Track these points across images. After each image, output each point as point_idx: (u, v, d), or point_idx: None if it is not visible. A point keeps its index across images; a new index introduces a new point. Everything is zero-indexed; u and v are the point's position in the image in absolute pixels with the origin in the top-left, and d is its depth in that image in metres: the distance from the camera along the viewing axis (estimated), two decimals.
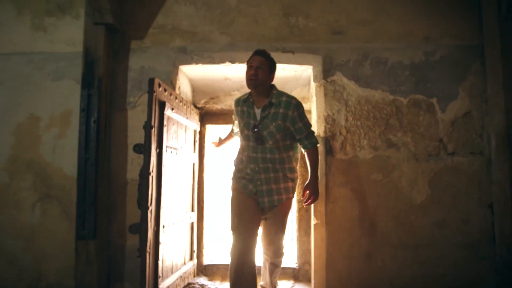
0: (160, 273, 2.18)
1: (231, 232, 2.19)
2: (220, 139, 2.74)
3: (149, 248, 2.07)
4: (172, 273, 2.42)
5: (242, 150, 2.26)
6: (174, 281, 2.43)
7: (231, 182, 2.33)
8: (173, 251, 2.48)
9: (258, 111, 2.16)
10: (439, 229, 2.50)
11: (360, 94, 2.64)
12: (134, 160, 2.65)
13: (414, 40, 2.67)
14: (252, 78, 2.10)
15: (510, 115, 2.39)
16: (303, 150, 2.23)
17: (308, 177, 2.22)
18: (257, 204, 2.17)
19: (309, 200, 2.18)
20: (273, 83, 2.23)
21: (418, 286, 2.46)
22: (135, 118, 2.67)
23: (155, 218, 2.15)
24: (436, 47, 2.65)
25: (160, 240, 2.19)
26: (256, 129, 2.10)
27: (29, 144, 2.71)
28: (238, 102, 2.27)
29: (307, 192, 2.19)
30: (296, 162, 2.27)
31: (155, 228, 2.15)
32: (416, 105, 2.61)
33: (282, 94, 2.17)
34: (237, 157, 2.30)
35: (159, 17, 2.76)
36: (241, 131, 2.21)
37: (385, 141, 2.59)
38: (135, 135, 2.66)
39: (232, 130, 2.56)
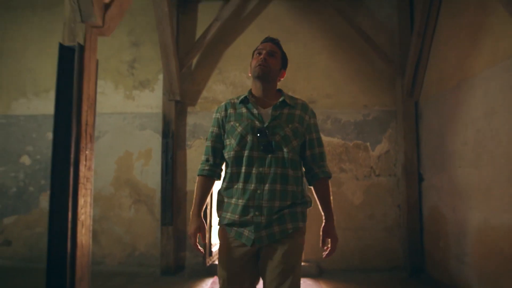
0: (212, 243, 3.96)
1: None
2: (200, 235, 1.72)
3: (208, 229, 3.85)
4: (215, 245, 4.20)
5: (233, 176, 1.65)
6: (216, 250, 4.20)
7: (218, 228, 1.73)
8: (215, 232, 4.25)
9: (265, 111, 1.68)
10: (369, 219, 4.29)
11: (324, 140, 4.43)
12: (190, 180, 4.41)
13: (357, 107, 4.47)
14: (262, 64, 1.68)
15: (407, 154, 4.19)
16: (309, 183, 1.78)
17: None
18: (257, 256, 1.62)
19: (331, 251, 1.69)
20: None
21: (356, 252, 4.25)
22: (191, 154, 4.44)
23: (210, 212, 3.93)
24: (370, 111, 4.46)
25: (212, 224, 3.97)
26: (259, 134, 1.61)
27: (126, 169, 4.48)
28: (228, 105, 1.76)
29: (329, 239, 1.69)
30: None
31: (210, 218, 3.92)
32: (357, 147, 4.41)
33: (295, 97, 1.80)
34: (224, 187, 1.68)
35: (204, 92, 4.54)
36: (239, 140, 1.63)
37: (339, 168, 4.38)
38: (191, 164, 4.43)
39: (208, 167, 1.74)
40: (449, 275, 3.48)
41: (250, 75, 1.79)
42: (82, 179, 2.14)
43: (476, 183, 3.05)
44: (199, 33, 4.54)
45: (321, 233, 1.71)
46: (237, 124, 1.67)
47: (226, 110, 1.75)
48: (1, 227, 4.55)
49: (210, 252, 3.88)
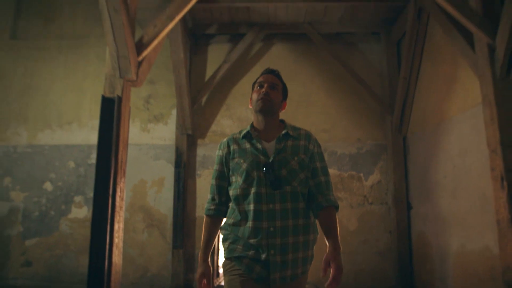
0: (218, 266, 4.33)
1: None
2: (205, 281, 1.69)
3: (215, 253, 4.23)
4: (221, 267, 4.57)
5: (241, 214, 1.62)
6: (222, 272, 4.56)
7: (223, 261, 1.68)
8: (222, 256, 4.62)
9: (269, 145, 1.67)
10: (363, 244, 4.67)
11: None
12: (199, 206, 4.82)
13: (351, 141, 4.93)
14: (265, 98, 1.66)
15: (396, 184, 4.61)
16: (314, 214, 1.69)
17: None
18: None
19: (333, 283, 1.51)
20: None
21: (352, 274, 4.61)
22: (200, 183, 4.87)
23: (218, 238, 4.32)
24: (363, 145, 4.91)
25: (219, 247, 4.36)
26: (265, 169, 1.59)
27: (140, 196, 4.90)
28: (230, 141, 1.75)
29: (333, 269, 1.55)
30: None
31: (217, 243, 4.31)
32: (352, 177, 4.84)
33: (298, 127, 1.79)
34: (230, 223, 1.66)
35: (213, 126, 5.01)
36: (245, 177, 1.61)
37: (335, 197, 4.79)
38: (200, 192, 4.85)
39: (214, 206, 1.75)
40: None
41: (250, 107, 1.79)
42: (117, 208, 2.57)
43: (455, 212, 3.46)
44: (208, 71, 5.08)
45: (323, 262, 1.59)
46: (242, 161, 1.64)
47: (228, 146, 1.73)
48: (23, 248, 4.91)
49: (218, 274, 4.25)
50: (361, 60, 5.07)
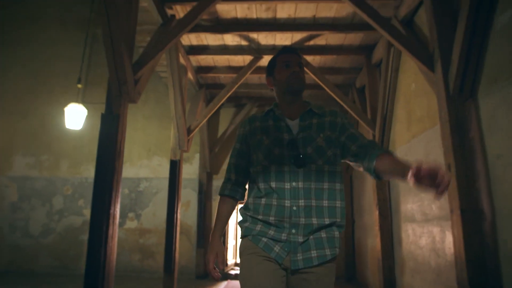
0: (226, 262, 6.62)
1: None
2: (218, 261, 1.62)
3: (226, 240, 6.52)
4: (227, 259, 6.84)
5: (260, 191, 1.56)
6: (232, 263, 6.82)
7: (240, 242, 1.60)
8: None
9: (293, 123, 1.61)
10: None
11: None
12: (214, 220, 7.13)
13: None
14: (297, 78, 1.61)
15: (346, 206, 6.93)
16: (370, 171, 1.46)
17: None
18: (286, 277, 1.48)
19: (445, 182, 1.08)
20: None
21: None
22: (215, 205, 7.20)
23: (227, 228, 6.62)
24: None
25: (227, 241, 6.65)
26: (289, 146, 1.52)
27: None
28: (252, 118, 1.70)
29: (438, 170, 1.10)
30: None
31: (227, 233, 6.61)
32: None
33: (323, 106, 1.68)
34: (250, 202, 1.60)
35: (223, 166, 7.38)
36: (267, 154, 1.56)
37: None
38: (214, 211, 7.17)
39: (230, 186, 1.69)
40: (364, 279, 6.12)
41: (271, 88, 1.74)
42: (178, 219, 4.91)
43: (369, 223, 5.79)
44: (220, 129, 7.50)
45: (412, 177, 1.14)
46: (264, 137, 1.59)
47: (250, 124, 1.69)
48: None
49: (226, 263, 6.52)
50: None
